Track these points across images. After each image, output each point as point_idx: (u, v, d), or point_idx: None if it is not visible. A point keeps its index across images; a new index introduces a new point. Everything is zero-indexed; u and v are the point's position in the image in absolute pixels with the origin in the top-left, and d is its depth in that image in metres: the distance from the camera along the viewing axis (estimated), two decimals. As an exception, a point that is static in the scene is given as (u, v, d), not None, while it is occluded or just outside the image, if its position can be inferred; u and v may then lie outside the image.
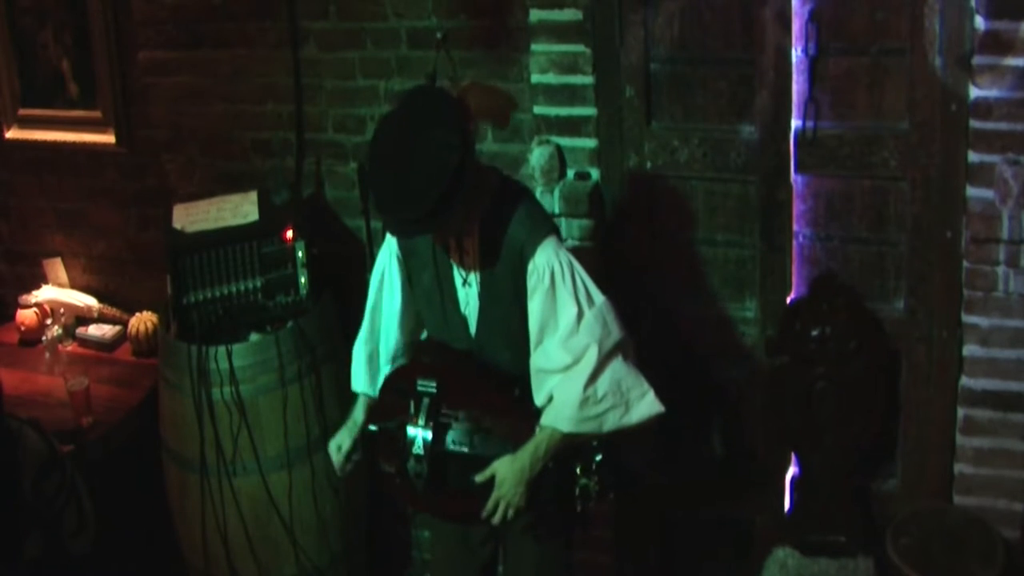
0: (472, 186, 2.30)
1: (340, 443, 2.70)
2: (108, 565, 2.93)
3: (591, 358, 2.34)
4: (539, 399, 2.44)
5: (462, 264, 2.49)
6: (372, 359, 2.71)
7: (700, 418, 3.19)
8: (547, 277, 2.36)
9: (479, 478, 2.45)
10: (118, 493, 3.26)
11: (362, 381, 2.73)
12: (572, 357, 2.35)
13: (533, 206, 2.47)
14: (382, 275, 2.68)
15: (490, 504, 2.44)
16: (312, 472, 3.21)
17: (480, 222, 2.43)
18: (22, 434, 2.44)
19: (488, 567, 2.80)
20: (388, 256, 2.65)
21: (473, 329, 2.53)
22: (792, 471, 3.11)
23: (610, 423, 2.38)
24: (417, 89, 2.51)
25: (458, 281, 2.52)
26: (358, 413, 2.71)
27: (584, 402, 2.34)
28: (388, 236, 2.65)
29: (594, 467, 2.43)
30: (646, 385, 2.39)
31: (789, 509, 3.11)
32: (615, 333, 2.38)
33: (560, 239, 2.44)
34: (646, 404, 2.39)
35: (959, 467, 2.87)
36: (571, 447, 2.43)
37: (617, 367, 2.37)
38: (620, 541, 3.35)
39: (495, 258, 2.43)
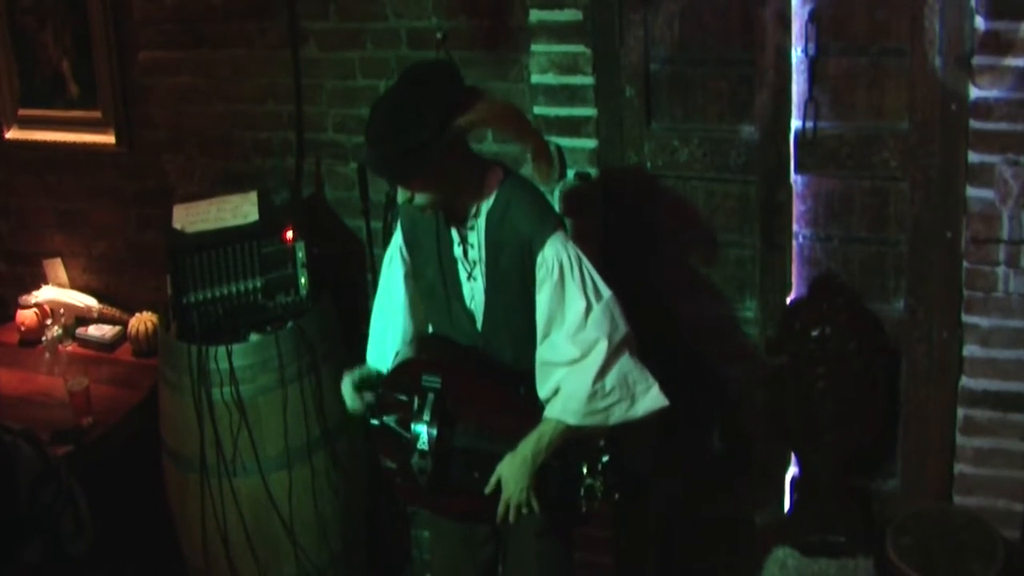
0: (453, 162, 2.34)
1: (352, 377, 2.66)
2: (108, 565, 2.94)
3: (600, 352, 2.35)
4: (544, 392, 2.44)
5: (467, 257, 2.50)
6: (383, 341, 2.72)
7: (700, 418, 3.19)
8: (556, 270, 2.37)
9: (487, 490, 2.46)
10: (118, 493, 3.26)
11: (374, 359, 2.74)
12: (580, 351, 2.36)
13: (538, 199, 2.48)
14: (389, 263, 2.70)
15: (501, 508, 2.45)
16: (312, 472, 3.21)
17: (486, 216, 2.44)
18: (16, 447, 2.44)
19: (489, 567, 2.80)
20: (395, 248, 2.67)
21: (479, 323, 2.54)
22: (792, 471, 3.11)
23: (616, 416, 2.39)
24: (424, 60, 2.54)
25: (463, 275, 2.53)
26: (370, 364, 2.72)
27: (592, 396, 2.36)
28: (397, 228, 2.65)
29: (600, 468, 2.43)
30: (651, 379, 2.42)
31: (789, 509, 3.11)
32: (622, 327, 2.39)
33: (567, 232, 2.46)
34: (651, 398, 2.41)
35: (959, 467, 2.87)
36: (573, 441, 2.44)
37: (624, 361, 2.39)
38: (620, 541, 3.35)
39: (501, 251, 2.44)
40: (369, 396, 2.66)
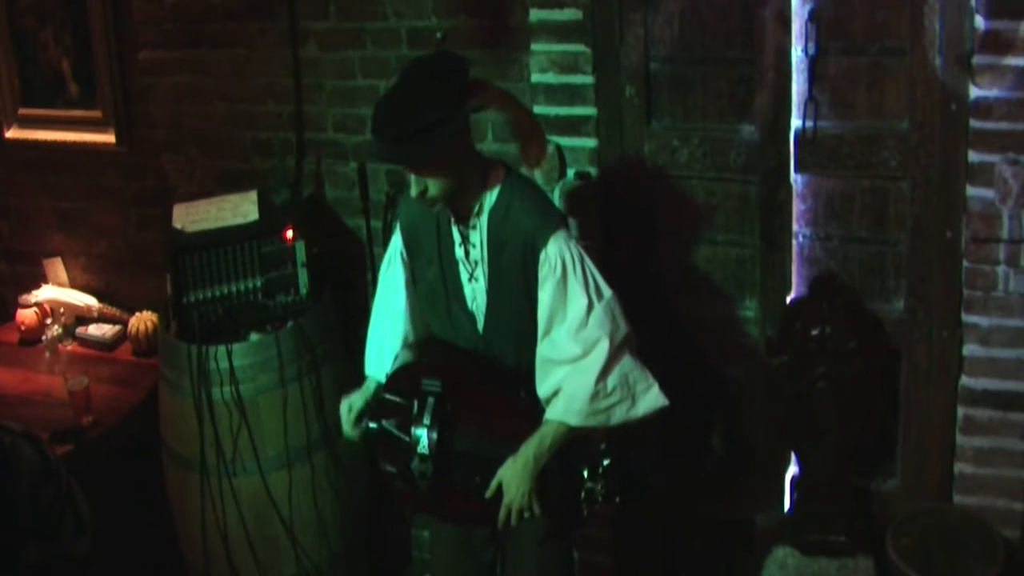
0: (461, 149, 2.35)
1: (352, 403, 2.67)
2: (108, 565, 2.93)
3: (602, 351, 2.35)
4: (544, 390, 2.44)
5: (468, 258, 2.50)
6: (382, 346, 2.70)
7: (700, 418, 3.19)
8: (559, 268, 2.38)
9: (488, 494, 2.45)
10: (118, 493, 3.26)
11: (372, 366, 2.72)
12: (582, 349, 2.36)
13: (541, 198, 2.49)
14: (388, 266, 2.69)
15: (502, 512, 2.44)
16: (312, 472, 3.21)
17: (488, 214, 2.44)
18: (16, 448, 2.44)
19: (488, 569, 2.80)
20: (394, 251, 2.66)
21: (481, 325, 2.53)
22: (792, 471, 3.11)
23: (617, 416, 2.40)
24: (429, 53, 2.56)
25: (464, 277, 2.52)
26: (371, 383, 2.70)
27: (594, 396, 2.36)
28: (396, 230, 2.65)
29: (601, 472, 2.43)
30: (651, 379, 2.42)
31: (789, 509, 3.11)
32: (623, 327, 2.40)
33: (569, 231, 2.46)
34: (651, 397, 2.42)
35: (959, 467, 2.86)
36: (575, 443, 2.43)
37: (625, 361, 2.39)
38: (620, 541, 3.35)
39: (503, 249, 2.43)
40: (366, 424, 2.64)
